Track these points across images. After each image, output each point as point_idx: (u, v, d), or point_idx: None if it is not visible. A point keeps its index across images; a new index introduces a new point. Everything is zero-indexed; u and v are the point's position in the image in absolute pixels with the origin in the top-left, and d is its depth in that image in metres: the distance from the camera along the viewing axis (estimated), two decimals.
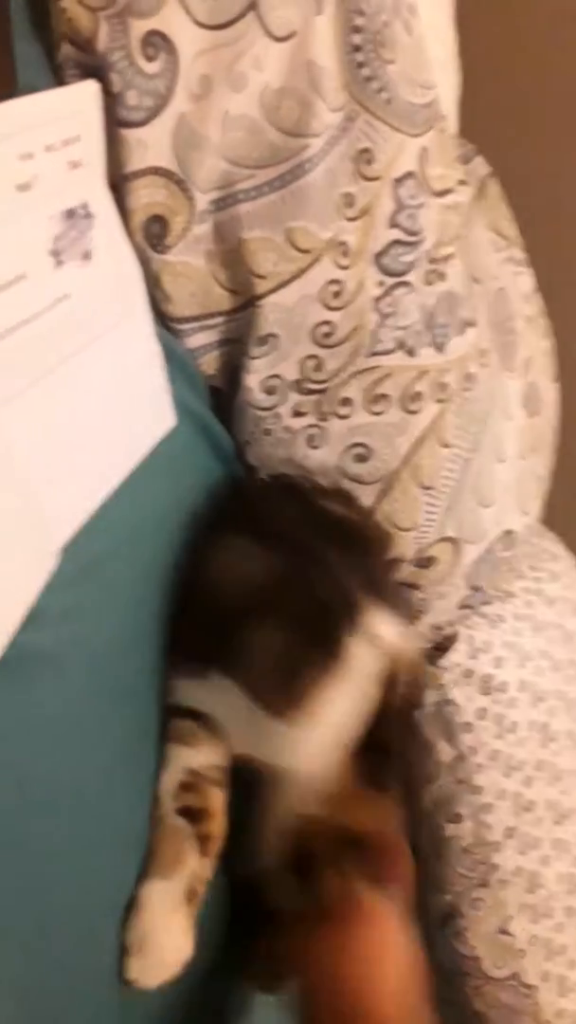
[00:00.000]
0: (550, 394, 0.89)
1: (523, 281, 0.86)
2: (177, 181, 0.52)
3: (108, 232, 0.48)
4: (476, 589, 0.78)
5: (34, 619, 0.39)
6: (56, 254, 0.43)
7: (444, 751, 0.76)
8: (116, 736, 0.47)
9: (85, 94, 0.46)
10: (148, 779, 0.49)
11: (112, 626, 0.47)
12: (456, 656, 0.75)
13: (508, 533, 0.78)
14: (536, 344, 0.86)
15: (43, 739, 0.41)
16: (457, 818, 0.78)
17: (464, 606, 0.78)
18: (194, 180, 0.52)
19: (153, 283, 0.54)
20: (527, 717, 0.78)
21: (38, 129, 0.41)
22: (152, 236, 0.53)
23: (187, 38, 0.49)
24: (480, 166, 0.87)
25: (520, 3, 1.03)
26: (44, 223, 0.42)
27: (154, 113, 0.50)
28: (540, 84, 1.04)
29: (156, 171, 0.51)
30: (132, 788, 0.48)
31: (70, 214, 0.44)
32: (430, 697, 0.74)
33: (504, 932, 0.84)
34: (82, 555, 0.44)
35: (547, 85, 1.04)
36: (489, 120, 0.89)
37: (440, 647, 0.76)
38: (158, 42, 0.49)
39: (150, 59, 0.49)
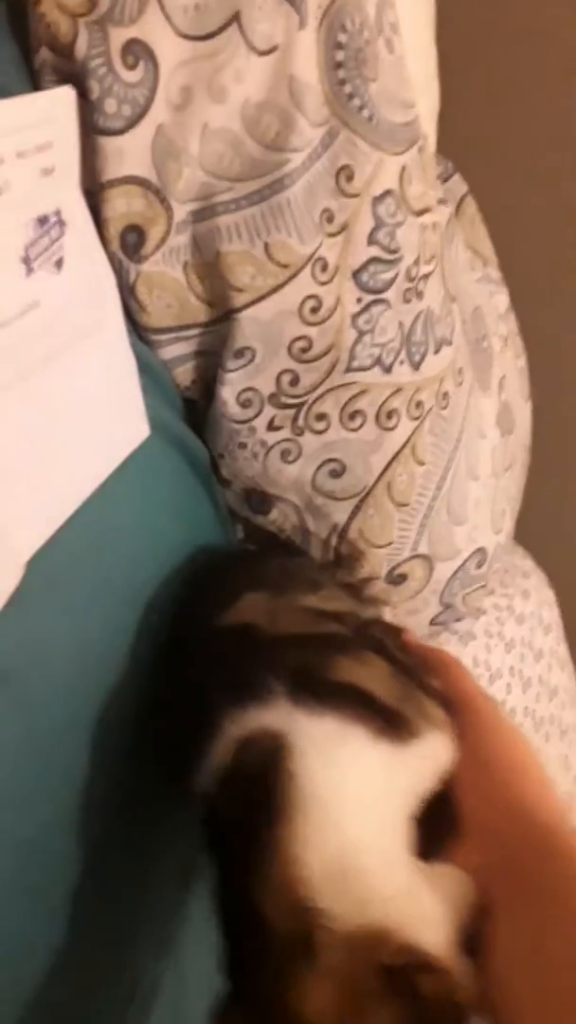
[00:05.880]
0: (523, 413, 0.89)
1: (499, 300, 0.87)
2: (155, 191, 0.51)
3: (82, 240, 0.47)
4: (448, 606, 0.78)
5: None
6: (27, 261, 0.42)
7: None
8: (74, 759, 0.46)
9: (60, 100, 0.46)
10: (103, 804, 0.48)
11: (72, 643, 0.46)
12: None
13: (480, 551, 0.78)
14: (510, 363, 0.86)
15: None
16: None
17: (436, 623, 0.78)
18: (172, 190, 0.52)
19: (128, 293, 0.53)
20: None
21: (10, 134, 0.40)
22: (128, 246, 0.52)
23: (168, 48, 0.48)
24: (458, 184, 0.87)
25: (499, 21, 1.04)
26: (15, 230, 0.41)
27: (133, 122, 0.49)
28: (519, 102, 1.05)
29: (133, 180, 0.51)
30: (86, 810, 0.46)
31: (42, 221, 0.43)
32: None
33: None
34: (46, 568, 0.42)
35: (525, 103, 1.05)
36: (468, 138, 0.90)
37: None
38: (138, 51, 0.48)
39: (130, 68, 0.48)
